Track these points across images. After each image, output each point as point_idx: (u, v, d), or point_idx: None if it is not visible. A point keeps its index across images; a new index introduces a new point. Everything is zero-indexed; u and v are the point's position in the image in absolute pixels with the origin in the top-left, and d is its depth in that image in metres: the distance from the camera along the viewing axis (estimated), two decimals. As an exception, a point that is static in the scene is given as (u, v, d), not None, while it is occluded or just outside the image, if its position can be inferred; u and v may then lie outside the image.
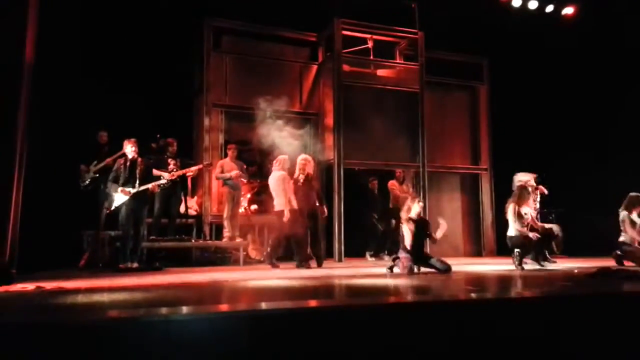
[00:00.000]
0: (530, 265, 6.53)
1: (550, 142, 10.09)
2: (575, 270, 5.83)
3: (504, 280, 5.11)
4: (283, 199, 6.76)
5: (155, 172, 7.25)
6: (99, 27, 8.08)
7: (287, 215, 6.66)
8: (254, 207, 8.60)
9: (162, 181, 7.02)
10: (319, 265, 7.03)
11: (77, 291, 4.13)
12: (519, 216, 6.41)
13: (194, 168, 7.69)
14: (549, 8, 10.12)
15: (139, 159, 6.64)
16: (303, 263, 6.71)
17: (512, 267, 6.33)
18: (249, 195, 8.62)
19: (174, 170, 7.50)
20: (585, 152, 9.61)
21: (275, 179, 6.93)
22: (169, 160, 7.66)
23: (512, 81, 10.01)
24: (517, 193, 6.64)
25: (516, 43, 9.83)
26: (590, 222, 8.68)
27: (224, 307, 3.23)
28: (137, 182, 6.52)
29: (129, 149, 6.62)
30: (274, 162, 7.09)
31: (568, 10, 10.16)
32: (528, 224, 6.44)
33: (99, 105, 7.97)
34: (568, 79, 9.87)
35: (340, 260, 8.37)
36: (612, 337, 3.26)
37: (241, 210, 8.35)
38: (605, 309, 3.41)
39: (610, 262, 6.50)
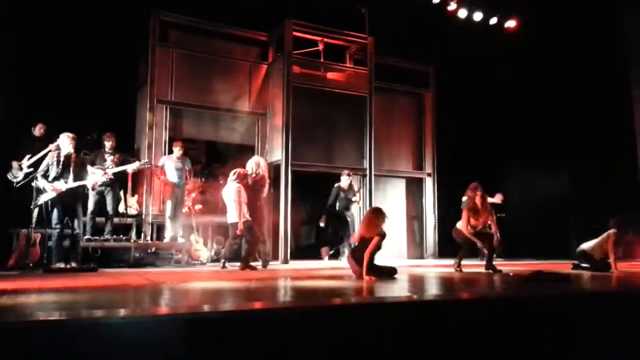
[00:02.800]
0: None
1: (493, 148, 10.51)
2: (511, 274, 6.05)
3: (443, 283, 5.23)
4: (237, 211, 6.69)
5: (90, 168, 6.95)
6: (38, 12, 7.67)
7: (240, 228, 6.62)
8: (198, 206, 8.39)
9: (102, 179, 6.73)
10: (264, 266, 6.97)
11: (0, 292, 3.85)
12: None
13: (132, 166, 7.42)
14: (493, 20, 10.57)
15: (74, 155, 6.32)
16: (249, 264, 6.64)
17: (452, 269, 6.51)
18: (193, 195, 8.40)
19: (111, 166, 7.20)
20: (527, 157, 10.07)
21: (230, 191, 6.84)
22: (107, 155, 7.36)
23: (457, 89, 10.34)
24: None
25: (461, 52, 10.17)
26: (527, 226, 9.11)
27: (161, 310, 3.10)
28: (71, 177, 6.21)
29: (66, 144, 6.28)
30: (232, 173, 6.98)
31: (510, 23, 10.65)
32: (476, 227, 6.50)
33: (34, 97, 7.57)
34: (510, 87, 10.32)
35: (286, 262, 8.33)
36: (545, 337, 3.40)
37: (184, 210, 8.13)
38: (539, 310, 3.55)
39: (542, 266, 6.79)
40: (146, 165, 7.69)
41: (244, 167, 7.19)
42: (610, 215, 7.30)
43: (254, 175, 7.16)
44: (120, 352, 2.45)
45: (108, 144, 7.48)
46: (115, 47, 8.34)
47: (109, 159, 7.32)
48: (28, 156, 7.20)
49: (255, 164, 7.25)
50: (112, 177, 7.18)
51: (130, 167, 7.41)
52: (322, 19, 9.30)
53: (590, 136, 9.36)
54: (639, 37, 9.24)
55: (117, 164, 7.34)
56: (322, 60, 9.45)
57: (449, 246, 7.08)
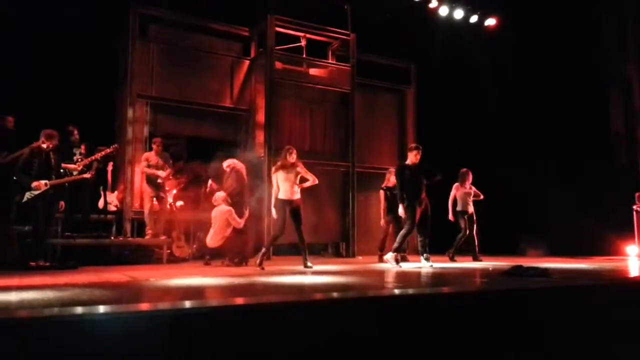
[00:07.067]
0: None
1: (473, 144, 10.62)
2: (490, 268, 6.16)
3: (423, 277, 5.30)
4: (223, 234, 6.88)
5: (64, 166, 6.88)
6: (15, 5, 7.49)
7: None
8: (179, 203, 8.33)
9: (86, 175, 6.65)
10: (245, 263, 6.97)
11: (-22, 291, 3.79)
12: None
13: (101, 154, 7.31)
14: (473, 18, 10.68)
15: (52, 152, 6.26)
16: (236, 261, 6.80)
17: (430, 264, 6.58)
18: (174, 191, 8.33)
19: (80, 159, 7.10)
20: (506, 153, 10.20)
21: (221, 215, 6.94)
22: (74, 149, 7.24)
23: (438, 85, 10.43)
24: None
25: (442, 49, 10.26)
26: (507, 222, 9.24)
27: (143, 307, 3.09)
28: (54, 174, 6.15)
29: (47, 141, 6.22)
30: (217, 196, 7.07)
31: (491, 22, 10.78)
32: None
33: (11, 91, 7.41)
34: (490, 83, 10.45)
35: (268, 258, 8.30)
36: (524, 328, 3.47)
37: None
38: (518, 303, 3.62)
39: (521, 260, 6.89)
40: (116, 149, 7.59)
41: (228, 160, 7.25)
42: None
43: (229, 185, 7.14)
44: (103, 348, 2.43)
45: (72, 138, 7.33)
46: (95, 41, 8.21)
47: (77, 152, 7.20)
48: (5, 153, 7.03)
49: (228, 175, 7.18)
50: (86, 169, 7.05)
51: (101, 155, 7.31)
52: (305, 14, 9.28)
53: (567, 133, 9.52)
54: (613, 36, 9.44)
55: (85, 155, 7.22)
56: (304, 56, 9.43)
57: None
